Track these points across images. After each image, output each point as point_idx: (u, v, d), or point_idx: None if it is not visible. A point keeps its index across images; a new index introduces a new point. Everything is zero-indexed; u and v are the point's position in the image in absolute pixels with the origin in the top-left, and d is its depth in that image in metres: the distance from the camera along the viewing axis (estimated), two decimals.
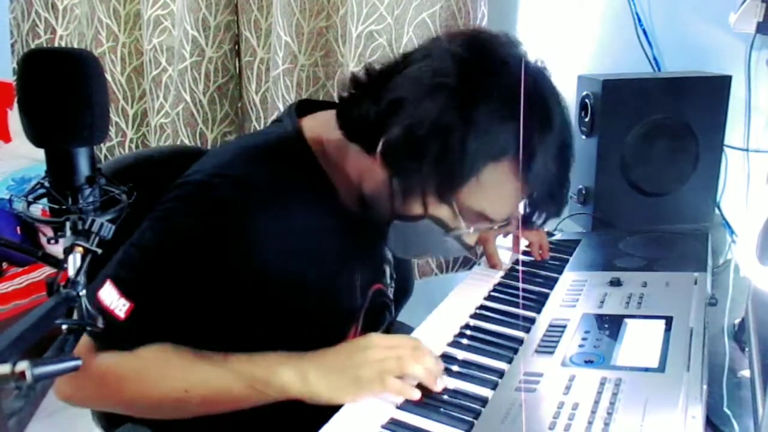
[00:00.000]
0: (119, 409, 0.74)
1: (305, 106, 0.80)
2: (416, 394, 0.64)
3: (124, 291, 0.66)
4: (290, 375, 0.67)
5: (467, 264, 1.33)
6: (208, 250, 0.68)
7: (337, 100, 0.76)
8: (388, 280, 0.85)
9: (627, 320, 0.77)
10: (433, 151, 0.65)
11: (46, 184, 0.52)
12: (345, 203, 0.77)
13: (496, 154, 0.66)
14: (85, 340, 0.68)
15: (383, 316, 0.85)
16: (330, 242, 0.76)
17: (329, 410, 0.64)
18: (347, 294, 0.78)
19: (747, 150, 1.20)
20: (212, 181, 0.70)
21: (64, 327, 0.46)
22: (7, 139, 2.07)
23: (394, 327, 0.93)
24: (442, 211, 0.70)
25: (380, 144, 0.68)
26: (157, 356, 0.69)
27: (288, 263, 0.71)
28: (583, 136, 1.18)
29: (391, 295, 0.86)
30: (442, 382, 0.66)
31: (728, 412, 0.73)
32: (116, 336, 0.68)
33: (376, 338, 0.69)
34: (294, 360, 0.68)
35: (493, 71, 0.66)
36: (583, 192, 1.18)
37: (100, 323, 0.50)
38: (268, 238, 0.69)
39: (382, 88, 0.69)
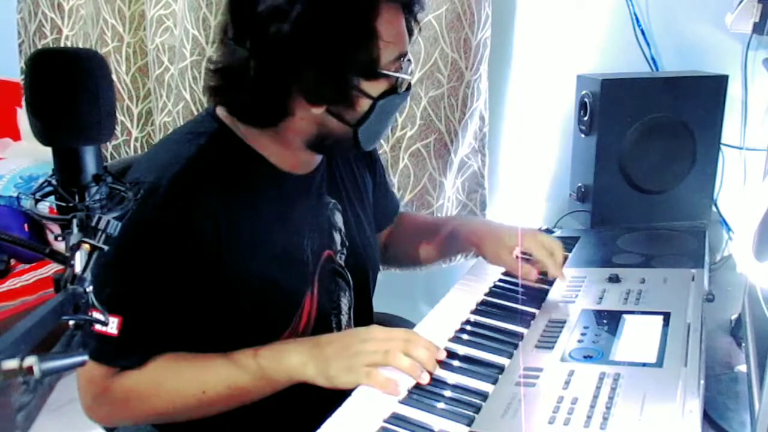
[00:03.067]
0: (148, 420, 0.76)
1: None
2: (398, 391, 0.66)
3: (107, 309, 0.67)
4: (295, 361, 0.70)
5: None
6: (156, 239, 0.69)
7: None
8: (339, 247, 0.86)
9: (625, 316, 0.78)
10: (332, 55, 0.69)
11: (54, 182, 0.53)
12: (279, 167, 0.79)
13: (374, 12, 0.70)
14: (97, 368, 0.70)
15: (336, 283, 0.86)
16: (273, 208, 0.78)
17: (332, 405, 0.65)
18: (296, 259, 0.79)
19: (743, 148, 1.21)
20: (141, 175, 0.72)
21: (71, 323, 0.47)
22: (17, 137, 2.07)
23: (361, 303, 0.92)
24: (380, 85, 0.73)
25: (290, 98, 0.71)
26: (169, 367, 0.72)
27: (230, 233, 0.73)
28: (582, 135, 1.19)
29: (342, 262, 0.87)
30: (425, 377, 0.68)
31: (725, 406, 0.74)
32: (119, 353, 0.70)
33: (376, 331, 0.71)
34: (298, 346, 0.71)
35: None
36: (582, 190, 1.19)
37: (106, 319, 0.51)
38: (203, 210, 0.71)
39: (244, 63, 0.70)
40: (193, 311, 0.72)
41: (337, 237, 0.87)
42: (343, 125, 0.74)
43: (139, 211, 0.67)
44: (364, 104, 0.73)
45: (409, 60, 0.76)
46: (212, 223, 0.71)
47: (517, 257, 0.90)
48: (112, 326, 0.67)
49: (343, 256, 0.87)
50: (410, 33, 0.77)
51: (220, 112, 0.78)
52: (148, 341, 0.71)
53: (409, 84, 0.77)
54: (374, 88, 0.73)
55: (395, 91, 0.75)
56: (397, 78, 0.74)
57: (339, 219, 0.87)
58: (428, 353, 0.69)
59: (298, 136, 0.76)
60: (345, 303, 0.88)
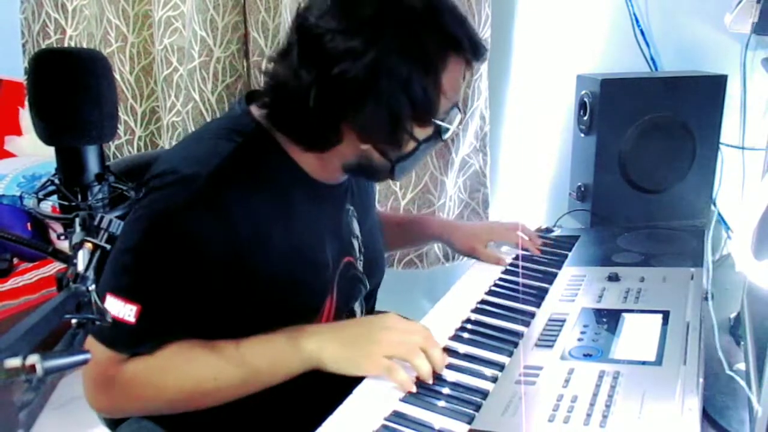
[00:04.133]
0: (157, 409, 0.75)
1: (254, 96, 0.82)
2: (413, 389, 0.67)
3: (126, 296, 0.68)
4: (312, 346, 0.70)
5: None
6: (188, 231, 0.69)
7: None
8: (357, 254, 0.88)
9: (625, 314, 0.78)
10: (396, 100, 0.69)
11: (56, 181, 0.53)
12: (310, 174, 0.79)
13: (441, 66, 0.71)
14: (108, 354, 0.70)
15: (357, 289, 0.87)
16: (297, 212, 0.78)
17: (333, 403, 0.65)
18: (319, 264, 0.80)
19: (742, 148, 1.21)
20: (177, 166, 0.72)
21: (73, 321, 0.47)
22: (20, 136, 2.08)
23: (372, 305, 0.95)
24: (429, 130, 0.75)
25: (351, 130, 0.72)
26: (181, 352, 0.71)
27: (260, 233, 0.73)
28: (582, 134, 1.19)
29: (362, 268, 0.88)
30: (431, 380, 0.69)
31: (724, 404, 0.75)
32: (135, 341, 0.70)
33: (394, 319, 0.72)
34: (315, 331, 0.72)
35: None
36: (582, 189, 1.19)
37: (108, 317, 0.51)
38: (238, 207, 0.71)
39: (305, 89, 0.69)
40: (214, 306, 0.72)
41: (356, 244, 0.87)
42: (385, 160, 0.76)
43: (171, 201, 0.69)
44: (410, 146, 0.75)
45: (458, 107, 0.77)
46: (244, 222, 0.71)
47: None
48: (130, 314, 0.67)
49: (361, 263, 0.88)
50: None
51: (255, 111, 0.78)
52: (165, 331, 0.71)
53: (455, 131, 0.79)
54: (423, 132, 0.75)
55: (440, 135, 0.76)
56: (442, 126, 0.75)
57: (356, 227, 0.88)
58: (442, 356, 0.70)
59: (338, 159, 0.77)
60: (358, 309, 0.89)
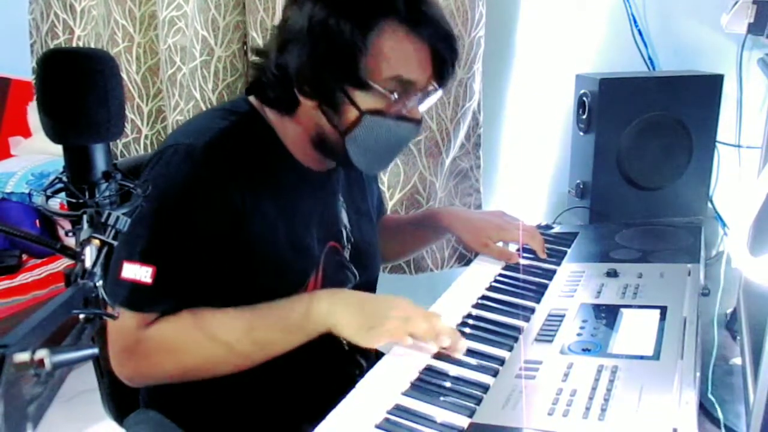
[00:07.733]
0: (174, 376, 0.77)
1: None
2: (408, 342, 0.72)
3: (142, 259, 0.71)
4: (324, 307, 0.74)
5: (463, 260, 1.35)
6: (190, 198, 0.73)
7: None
8: (345, 242, 0.90)
9: (623, 310, 0.79)
10: (323, 49, 0.73)
11: (64, 178, 0.54)
12: (299, 161, 0.83)
13: (372, 23, 0.73)
14: (131, 318, 0.72)
15: (343, 275, 0.90)
16: (288, 193, 0.82)
17: (336, 397, 0.66)
18: (305, 243, 0.83)
19: (739, 146, 1.23)
20: (177, 140, 0.77)
21: (81, 316, 0.48)
22: (27, 135, 2.09)
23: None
24: (370, 100, 0.75)
25: (294, 86, 0.76)
26: (202, 318, 0.74)
27: (250, 203, 0.76)
28: (581, 133, 1.20)
29: (348, 257, 0.90)
30: (446, 340, 0.72)
31: (720, 397, 0.76)
32: (153, 300, 0.73)
33: (403, 302, 0.75)
34: (328, 296, 0.76)
35: None
36: (581, 186, 1.20)
37: (114, 312, 0.52)
38: (231, 176, 0.75)
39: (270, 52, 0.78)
40: (215, 272, 0.75)
41: (343, 233, 0.89)
42: (334, 130, 0.77)
43: (176, 170, 0.73)
44: (351, 113, 0.76)
45: (413, 90, 0.76)
46: (236, 190, 0.75)
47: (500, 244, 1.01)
48: (147, 275, 0.70)
49: (348, 251, 0.90)
50: (442, 75, 0.78)
51: (253, 101, 0.83)
52: (180, 291, 0.74)
53: (408, 118, 0.78)
54: (364, 100, 0.75)
55: (387, 111, 0.76)
56: (389, 96, 0.75)
57: (345, 217, 0.90)
58: (449, 328, 0.73)
59: (304, 131, 0.80)
60: None
